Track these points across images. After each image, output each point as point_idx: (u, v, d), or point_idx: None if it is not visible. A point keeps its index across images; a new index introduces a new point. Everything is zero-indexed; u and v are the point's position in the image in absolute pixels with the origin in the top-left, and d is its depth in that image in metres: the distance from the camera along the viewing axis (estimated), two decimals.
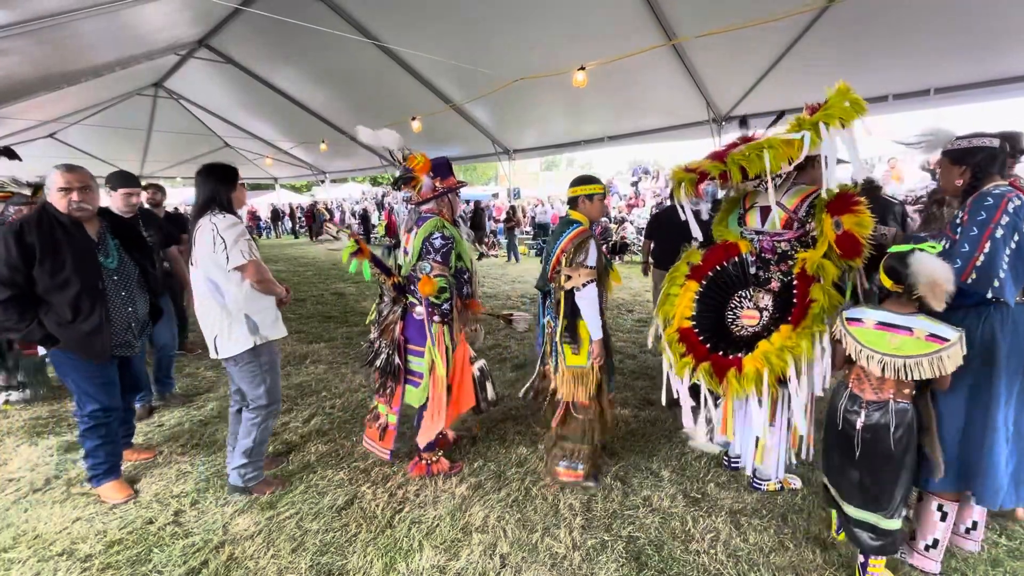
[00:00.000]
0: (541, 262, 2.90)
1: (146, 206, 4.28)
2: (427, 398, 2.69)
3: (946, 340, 1.70)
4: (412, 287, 2.68)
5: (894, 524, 1.88)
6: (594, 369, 2.57)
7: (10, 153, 3.64)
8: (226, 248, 2.34)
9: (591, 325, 2.50)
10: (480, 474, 2.80)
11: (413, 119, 8.34)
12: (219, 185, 2.46)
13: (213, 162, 2.54)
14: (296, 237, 21.57)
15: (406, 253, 2.71)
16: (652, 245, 5.03)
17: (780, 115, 2.49)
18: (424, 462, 2.78)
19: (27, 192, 3.54)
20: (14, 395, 3.70)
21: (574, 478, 2.65)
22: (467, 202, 21.92)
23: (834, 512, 2.16)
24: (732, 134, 6.83)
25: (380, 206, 24.49)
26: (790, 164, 2.13)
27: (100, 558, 2.18)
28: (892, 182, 10.28)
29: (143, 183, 4.14)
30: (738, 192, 2.63)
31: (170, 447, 3.15)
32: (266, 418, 2.59)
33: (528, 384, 2.93)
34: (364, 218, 20.03)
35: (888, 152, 12.96)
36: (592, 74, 5.94)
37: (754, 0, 4.63)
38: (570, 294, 2.51)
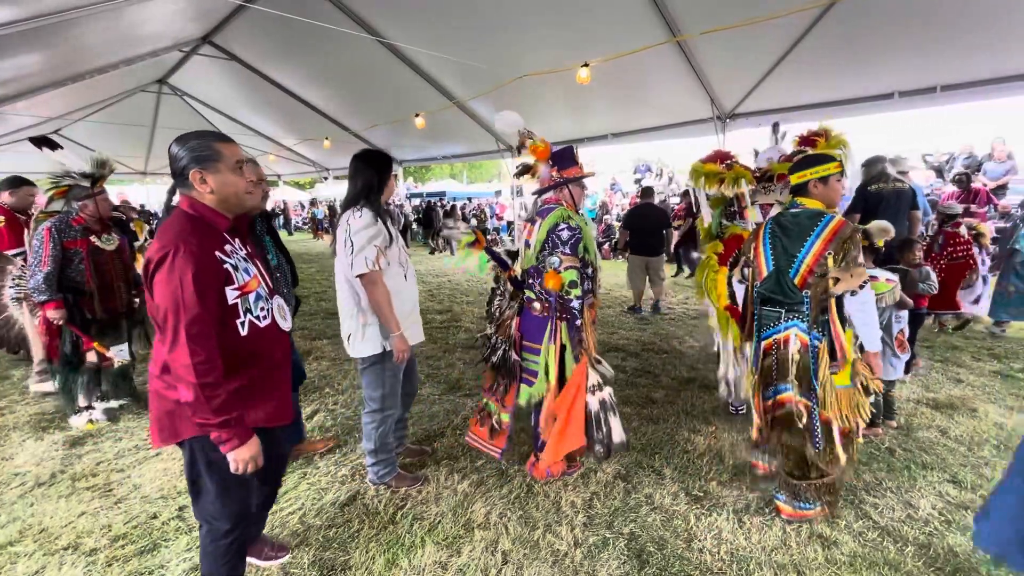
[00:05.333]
0: (745, 265, 2.54)
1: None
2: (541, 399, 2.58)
3: (892, 280, 2.77)
4: (531, 281, 2.59)
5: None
6: (860, 389, 2.24)
7: (50, 143, 3.28)
8: (352, 252, 2.28)
9: (868, 334, 2.22)
10: (482, 471, 2.81)
11: (416, 115, 8.34)
12: (375, 175, 2.39)
13: (369, 148, 2.47)
14: (290, 234, 21.89)
15: (527, 245, 2.62)
16: (629, 235, 6.32)
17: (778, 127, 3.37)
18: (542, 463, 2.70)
19: (85, 184, 3.21)
20: (96, 413, 3.43)
21: (802, 516, 2.33)
22: (419, 198, 22.02)
23: None
24: (736, 132, 6.82)
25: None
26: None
27: (105, 552, 2.20)
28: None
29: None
30: (731, 194, 3.20)
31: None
32: (381, 422, 2.56)
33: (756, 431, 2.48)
34: None
35: (893, 151, 12.94)
36: (596, 71, 5.91)
37: None
38: (834, 301, 2.21)
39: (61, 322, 3.22)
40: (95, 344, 3.34)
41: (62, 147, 3.33)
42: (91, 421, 3.37)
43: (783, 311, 2.30)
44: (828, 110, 5.96)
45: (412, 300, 2.55)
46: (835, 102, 5.88)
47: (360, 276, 2.29)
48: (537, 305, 2.55)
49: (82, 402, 3.42)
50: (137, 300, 3.58)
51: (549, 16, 5.76)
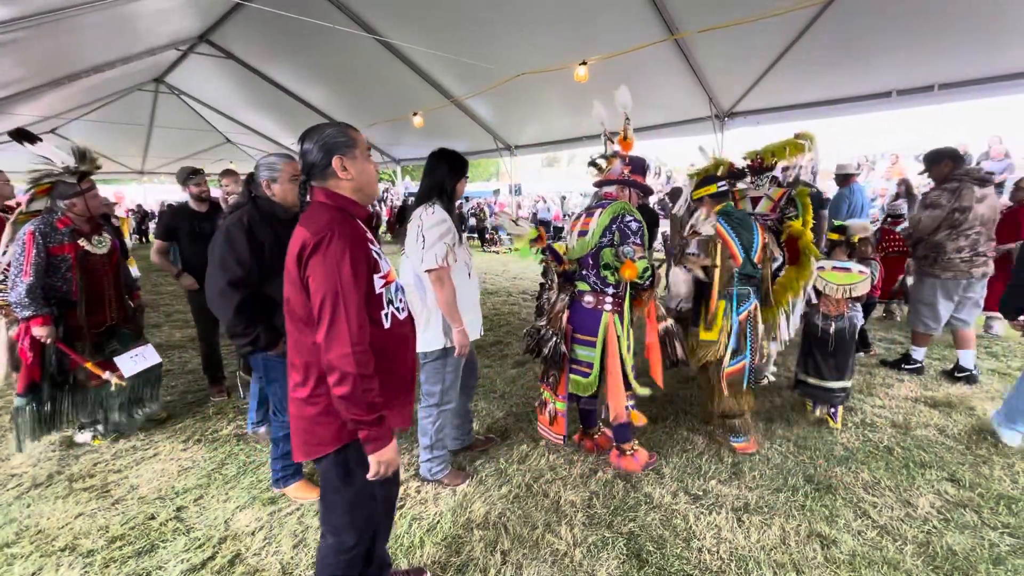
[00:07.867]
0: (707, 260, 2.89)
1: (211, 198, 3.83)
2: (602, 386, 2.68)
3: (865, 272, 3.02)
4: (584, 272, 2.64)
5: (850, 383, 3.18)
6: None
7: (28, 136, 2.91)
8: (424, 247, 2.29)
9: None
10: (482, 471, 2.80)
11: (415, 114, 8.33)
12: (448, 174, 2.42)
13: (445, 148, 2.49)
14: None
15: (582, 235, 2.62)
16: None
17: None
18: (628, 454, 2.77)
19: (72, 180, 2.87)
20: (101, 427, 3.17)
21: (746, 448, 2.92)
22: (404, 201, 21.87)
23: (808, 402, 3.30)
24: (734, 130, 6.83)
25: (382, 201, 24.45)
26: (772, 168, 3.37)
27: (103, 553, 2.19)
28: (894, 176, 10.32)
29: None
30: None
31: (171, 443, 3.16)
32: (437, 417, 2.59)
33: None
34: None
35: (890, 149, 12.99)
36: (594, 69, 5.92)
37: None
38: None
39: (49, 340, 2.80)
40: (88, 364, 2.96)
41: (40, 139, 2.97)
42: (96, 436, 3.17)
43: (751, 288, 2.82)
44: (826, 108, 5.98)
45: (474, 297, 2.59)
46: (833, 100, 5.89)
47: (428, 271, 2.31)
48: (589, 298, 2.63)
49: (84, 419, 3.12)
50: (131, 305, 3.31)
51: (547, 15, 5.76)
